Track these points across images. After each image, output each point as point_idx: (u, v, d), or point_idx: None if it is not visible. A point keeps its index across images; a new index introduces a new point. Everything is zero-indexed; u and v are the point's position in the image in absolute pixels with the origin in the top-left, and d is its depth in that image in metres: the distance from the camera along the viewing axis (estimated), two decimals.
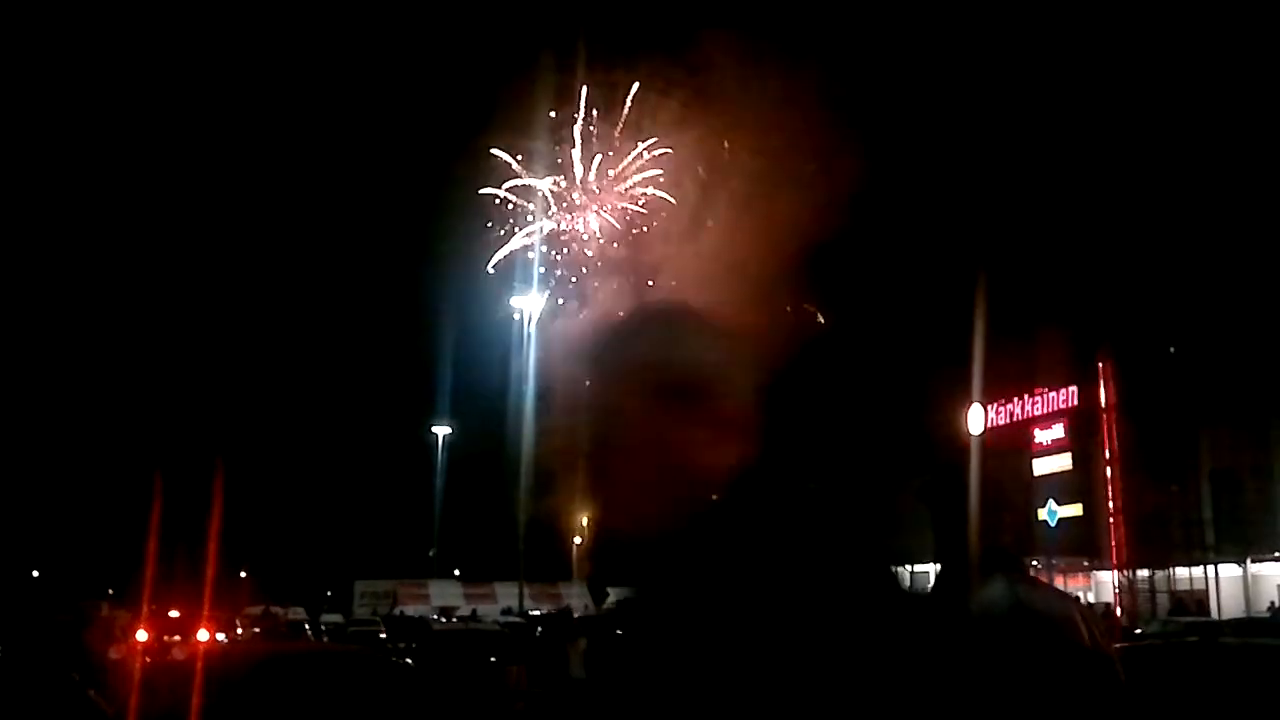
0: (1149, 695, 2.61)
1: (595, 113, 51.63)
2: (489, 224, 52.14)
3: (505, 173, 52.35)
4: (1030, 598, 2.55)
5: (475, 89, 51.73)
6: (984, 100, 42.85)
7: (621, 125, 51.66)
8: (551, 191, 52.77)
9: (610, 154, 52.55)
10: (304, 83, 65.10)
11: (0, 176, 58.97)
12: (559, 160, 52.81)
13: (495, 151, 51.43)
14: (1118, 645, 2.73)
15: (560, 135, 52.32)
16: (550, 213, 52.76)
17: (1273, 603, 28.64)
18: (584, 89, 50.88)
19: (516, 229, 52.58)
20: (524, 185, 52.28)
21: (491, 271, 51.97)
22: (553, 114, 51.36)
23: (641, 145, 51.77)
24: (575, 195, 53.25)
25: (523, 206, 52.70)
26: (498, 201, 52.35)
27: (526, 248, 52.15)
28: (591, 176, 52.76)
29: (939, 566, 2.82)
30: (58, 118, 59.65)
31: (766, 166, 43.71)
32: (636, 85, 49.53)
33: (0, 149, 57.38)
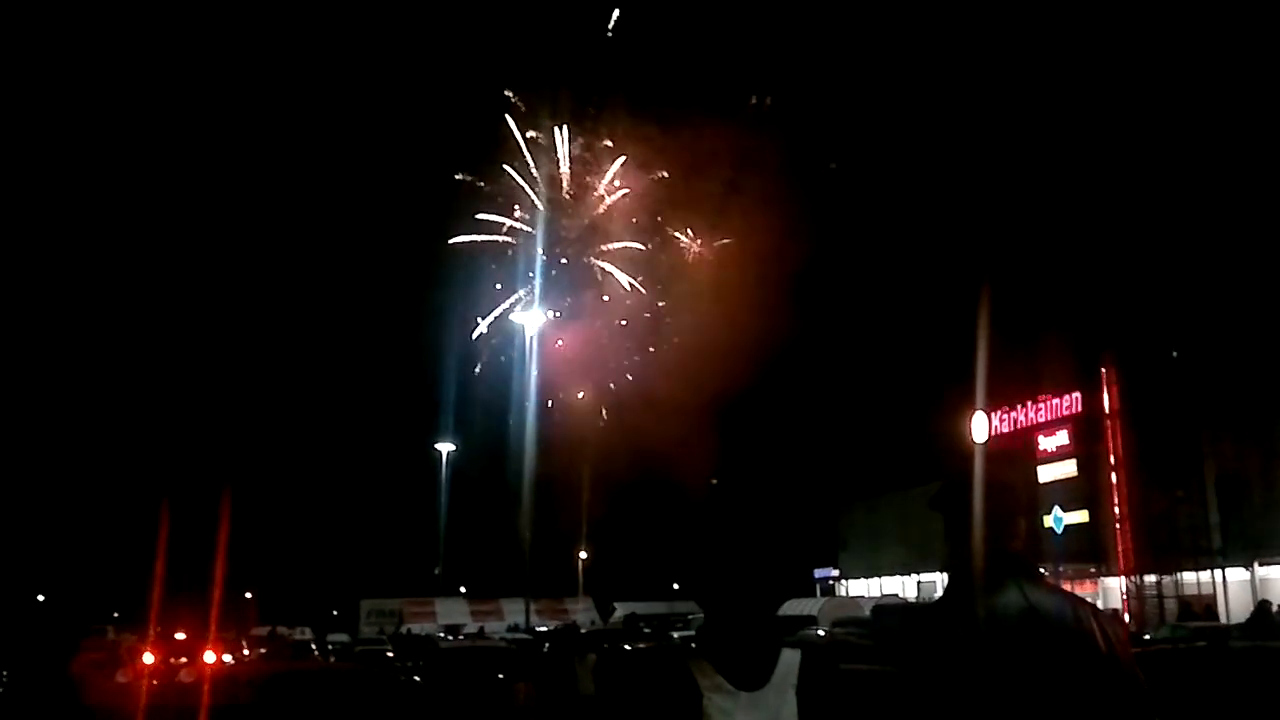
0: (1160, 701, 2.57)
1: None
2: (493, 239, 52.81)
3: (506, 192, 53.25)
4: (1043, 602, 2.52)
5: (482, 112, 52.18)
6: (986, 107, 42.93)
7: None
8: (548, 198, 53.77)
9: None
10: (311, 102, 65.37)
11: (33, 214, 59.85)
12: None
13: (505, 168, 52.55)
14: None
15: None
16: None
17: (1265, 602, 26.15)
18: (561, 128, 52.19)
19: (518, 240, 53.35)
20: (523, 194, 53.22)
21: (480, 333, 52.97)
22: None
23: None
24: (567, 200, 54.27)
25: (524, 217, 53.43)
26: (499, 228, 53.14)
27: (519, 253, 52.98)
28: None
29: (948, 574, 2.79)
30: (77, 148, 59.95)
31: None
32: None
33: (26, 183, 57.81)
